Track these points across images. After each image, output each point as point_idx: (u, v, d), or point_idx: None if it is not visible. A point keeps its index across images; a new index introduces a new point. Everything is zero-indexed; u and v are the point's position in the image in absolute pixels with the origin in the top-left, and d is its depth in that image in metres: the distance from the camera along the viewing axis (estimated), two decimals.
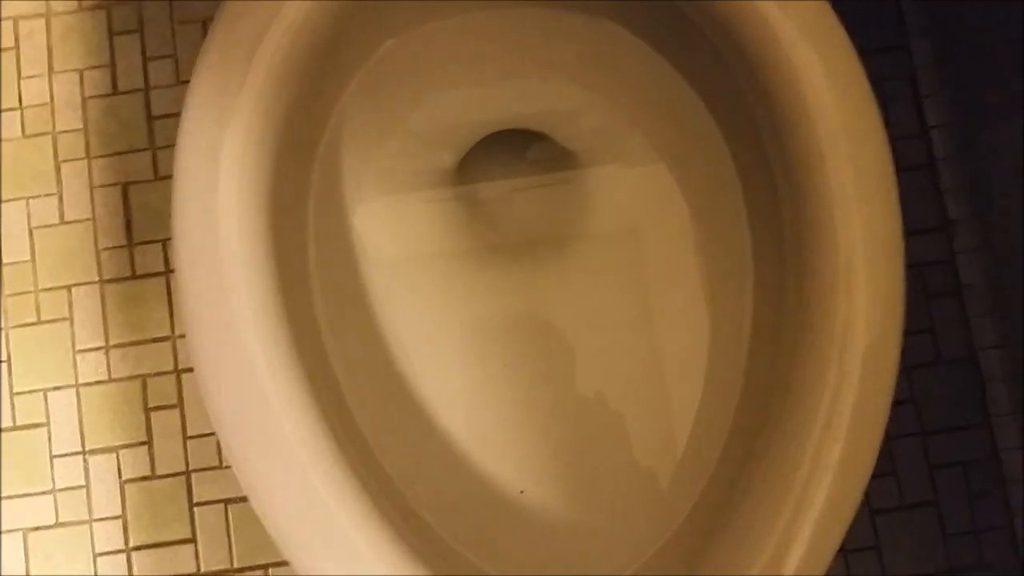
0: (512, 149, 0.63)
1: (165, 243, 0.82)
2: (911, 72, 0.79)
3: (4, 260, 0.82)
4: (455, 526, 0.52)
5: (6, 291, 0.82)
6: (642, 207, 0.59)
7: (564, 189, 0.62)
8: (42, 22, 0.87)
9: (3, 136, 0.85)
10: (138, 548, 0.78)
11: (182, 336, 0.80)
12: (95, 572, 0.77)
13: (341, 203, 0.58)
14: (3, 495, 0.79)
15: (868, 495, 0.76)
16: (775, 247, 0.50)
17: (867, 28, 0.80)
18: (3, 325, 0.81)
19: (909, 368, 0.77)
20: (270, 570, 0.77)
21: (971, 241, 0.76)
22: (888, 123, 0.78)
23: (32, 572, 0.77)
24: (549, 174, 0.63)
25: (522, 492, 0.55)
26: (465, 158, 0.63)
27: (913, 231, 0.78)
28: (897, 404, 0.75)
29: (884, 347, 0.45)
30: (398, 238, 0.59)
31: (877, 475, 0.75)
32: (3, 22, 0.87)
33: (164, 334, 0.80)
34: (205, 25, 0.87)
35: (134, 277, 0.82)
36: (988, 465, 0.76)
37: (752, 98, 0.49)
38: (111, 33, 0.86)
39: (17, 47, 0.87)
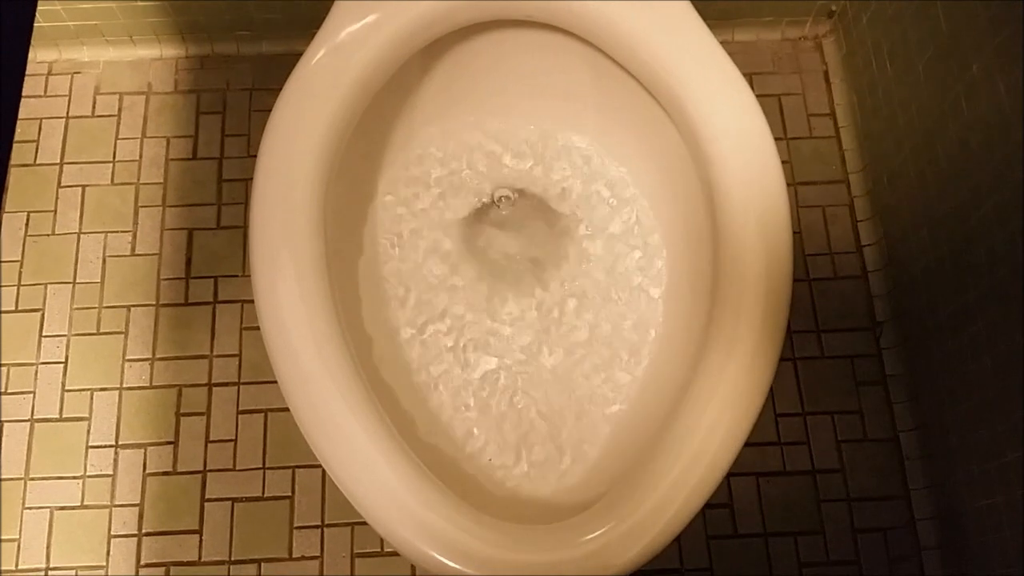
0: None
1: (217, 279, 0.96)
2: (850, 200, 0.96)
3: (77, 280, 0.97)
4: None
5: (75, 305, 0.95)
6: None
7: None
8: (143, 98, 1.05)
9: (93, 183, 1.01)
10: (149, 534, 0.87)
11: (219, 356, 0.93)
12: (107, 551, 0.86)
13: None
14: (38, 477, 0.88)
15: (797, 549, 0.86)
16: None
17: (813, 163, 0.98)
18: (67, 333, 0.94)
19: (839, 442, 0.88)
20: (262, 565, 0.86)
21: (895, 339, 0.90)
22: (829, 241, 0.95)
23: (52, 545, 0.86)
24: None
25: (489, 460, 0.66)
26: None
27: (847, 328, 0.92)
28: (828, 473, 0.88)
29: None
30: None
31: (807, 533, 0.86)
32: (110, 96, 1.06)
33: (204, 353, 0.93)
34: None
35: (186, 304, 0.95)
36: (906, 532, 0.85)
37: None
38: (198, 112, 1.04)
39: (119, 115, 1.05)
